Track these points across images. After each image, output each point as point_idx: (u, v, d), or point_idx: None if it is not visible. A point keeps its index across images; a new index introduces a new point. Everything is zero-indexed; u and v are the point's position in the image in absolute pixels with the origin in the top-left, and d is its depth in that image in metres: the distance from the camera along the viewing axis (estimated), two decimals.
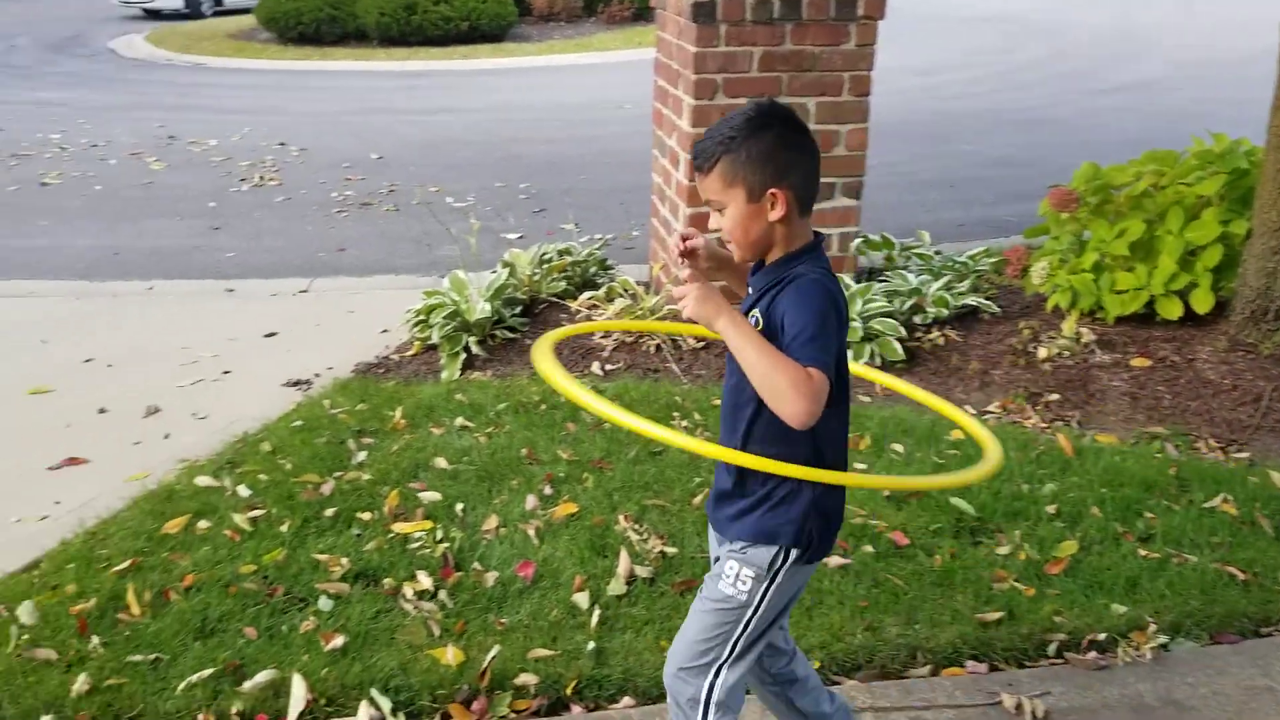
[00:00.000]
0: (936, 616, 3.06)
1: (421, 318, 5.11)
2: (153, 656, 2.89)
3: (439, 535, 3.46)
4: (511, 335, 5.12)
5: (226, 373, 4.97)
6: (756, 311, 1.98)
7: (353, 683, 2.79)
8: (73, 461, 4.14)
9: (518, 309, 5.31)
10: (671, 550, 3.38)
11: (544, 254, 5.71)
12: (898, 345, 4.80)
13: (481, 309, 4.97)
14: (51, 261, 6.81)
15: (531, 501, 3.67)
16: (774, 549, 2.03)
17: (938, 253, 5.77)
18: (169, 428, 4.41)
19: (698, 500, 3.67)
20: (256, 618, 3.06)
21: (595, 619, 3.04)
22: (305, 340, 5.35)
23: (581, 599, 3.13)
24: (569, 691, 2.80)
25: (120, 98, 13.15)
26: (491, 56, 16.94)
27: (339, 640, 2.94)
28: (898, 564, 3.30)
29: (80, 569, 3.31)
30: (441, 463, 3.93)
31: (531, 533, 3.48)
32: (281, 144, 10.32)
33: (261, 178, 9.04)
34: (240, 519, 3.56)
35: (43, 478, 4.02)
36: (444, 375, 4.78)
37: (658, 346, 5.00)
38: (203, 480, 3.83)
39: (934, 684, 2.83)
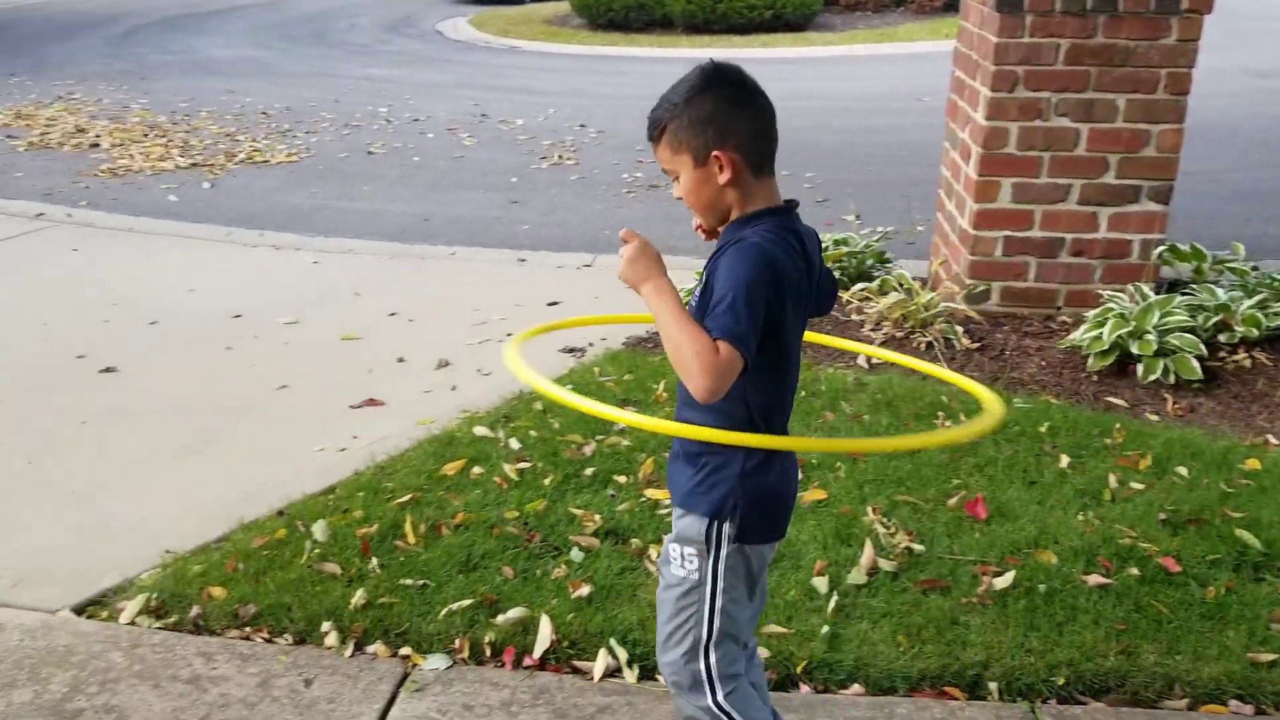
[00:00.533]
0: (1201, 650, 2.85)
1: None
2: (421, 582, 3.16)
3: None
4: None
5: (510, 335, 5.28)
6: (704, 271, 1.96)
7: (594, 630, 2.94)
8: (371, 402, 4.55)
9: None
10: (919, 548, 3.32)
11: (820, 244, 5.69)
12: (1195, 364, 4.46)
13: None
14: (370, 223, 7.48)
15: None
16: (703, 521, 2.01)
17: (1255, 268, 5.27)
18: (456, 380, 4.77)
19: (952, 502, 3.58)
20: (515, 559, 3.28)
21: (832, 604, 3.04)
22: (584, 311, 5.59)
23: (820, 583, 3.14)
24: (799, 670, 2.82)
25: (442, 76, 14.14)
26: (792, 45, 16.92)
27: (585, 590, 3.10)
28: (1165, 591, 3.09)
29: (368, 497, 3.65)
30: None
31: None
32: (581, 125, 10.78)
33: (560, 157, 9.49)
34: (509, 469, 3.81)
35: (345, 414, 4.46)
36: None
37: (929, 344, 4.88)
38: (480, 430, 4.13)
39: (1189, 719, 2.64)
